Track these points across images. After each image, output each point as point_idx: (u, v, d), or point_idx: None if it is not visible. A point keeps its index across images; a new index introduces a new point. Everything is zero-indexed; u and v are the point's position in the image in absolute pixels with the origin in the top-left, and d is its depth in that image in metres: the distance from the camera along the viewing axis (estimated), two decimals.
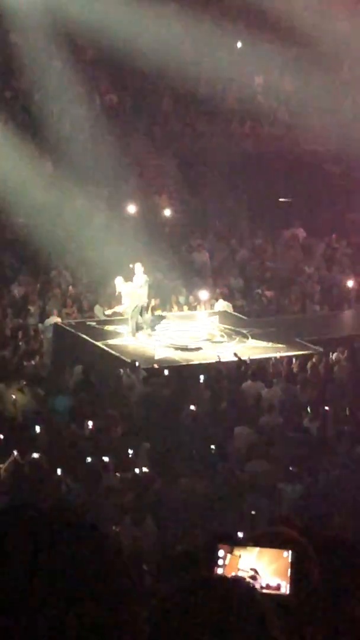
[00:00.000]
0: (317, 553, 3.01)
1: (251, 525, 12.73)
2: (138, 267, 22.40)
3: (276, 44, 32.55)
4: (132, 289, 22.23)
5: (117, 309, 22.88)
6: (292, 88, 33.20)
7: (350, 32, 33.92)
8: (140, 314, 22.39)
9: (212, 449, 16.32)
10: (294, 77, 33.00)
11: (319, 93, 32.02)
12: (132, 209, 28.94)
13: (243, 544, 2.89)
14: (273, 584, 2.80)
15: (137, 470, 15.07)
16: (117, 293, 22.70)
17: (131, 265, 22.66)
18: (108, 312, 23.18)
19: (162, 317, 23.79)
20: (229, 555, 2.82)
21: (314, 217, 31.06)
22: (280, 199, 31.53)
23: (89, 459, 15.29)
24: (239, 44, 33.41)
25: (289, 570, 2.81)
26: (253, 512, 13.59)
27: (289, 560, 2.83)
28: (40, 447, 15.90)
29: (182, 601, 2.20)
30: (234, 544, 2.84)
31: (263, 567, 2.81)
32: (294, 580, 2.80)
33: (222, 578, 2.63)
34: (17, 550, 1.86)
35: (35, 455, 15.12)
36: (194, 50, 32.12)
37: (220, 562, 2.82)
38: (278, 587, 2.80)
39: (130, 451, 16.08)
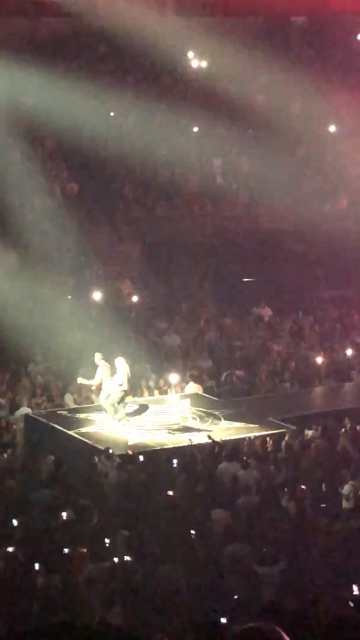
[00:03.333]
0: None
1: (234, 610, 12.51)
2: (119, 361, 22.26)
3: (232, 126, 33.01)
4: (118, 379, 22.12)
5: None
6: (251, 169, 33.54)
7: (303, 112, 34.51)
8: (120, 401, 22.22)
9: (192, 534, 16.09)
10: (252, 158, 33.34)
11: (277, 172, 32.37)
12: (97, 295, 28.95)
13: None
14: None
15: (115, 560, 14.82)
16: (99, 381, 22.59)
17: (98, 357, 22.51)
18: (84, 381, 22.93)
19: (142, 405, 23.48)
20: None
21: (278, 296, 31.20)
22: (245, 279, 31.69)
23: (65, 550, 15.02)
24: (195, 128, 33.78)
25: None
26: (236, 597, 13.37)
27: None
28: (15, 540, 15.64)
29: None
30: None
31: None
32: None
33: None
34: None
35: (10, 549, 14.86)
36: (152, 136, 32.45)
37: None
38: None
39: (107, 540, 15.83)
